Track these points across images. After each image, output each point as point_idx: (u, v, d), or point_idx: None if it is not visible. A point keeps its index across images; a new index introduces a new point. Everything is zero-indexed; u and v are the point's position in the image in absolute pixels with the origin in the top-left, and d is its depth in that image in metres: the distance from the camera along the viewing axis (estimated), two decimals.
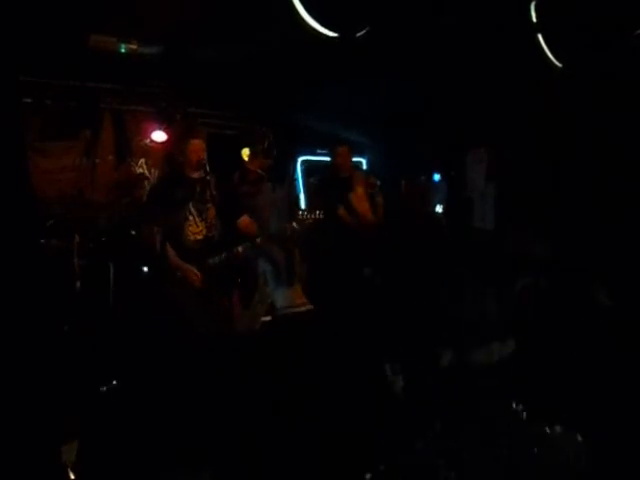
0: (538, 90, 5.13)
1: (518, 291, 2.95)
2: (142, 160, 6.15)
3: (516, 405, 2.05)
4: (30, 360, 3.09)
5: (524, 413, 2.03)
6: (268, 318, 5.33)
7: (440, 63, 5.13)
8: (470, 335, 2.28)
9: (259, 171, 5.05)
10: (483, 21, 4.57)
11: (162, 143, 5.99)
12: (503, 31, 4.64)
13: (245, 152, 5.15)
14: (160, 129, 5.96)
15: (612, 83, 4.77)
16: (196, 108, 6.34)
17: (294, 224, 4.29)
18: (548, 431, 1.97)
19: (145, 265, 4.93)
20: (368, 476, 1.91)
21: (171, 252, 4.03)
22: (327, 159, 5.65)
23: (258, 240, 4.19)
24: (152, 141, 6.05)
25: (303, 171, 7.22)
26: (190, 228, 4.10)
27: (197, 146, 4.09)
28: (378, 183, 5.07)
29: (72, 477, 2.78)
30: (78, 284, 5.02)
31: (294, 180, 6.96)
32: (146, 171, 6.15)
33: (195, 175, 4.11)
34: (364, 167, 7.54)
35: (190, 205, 4.09)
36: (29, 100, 5.27)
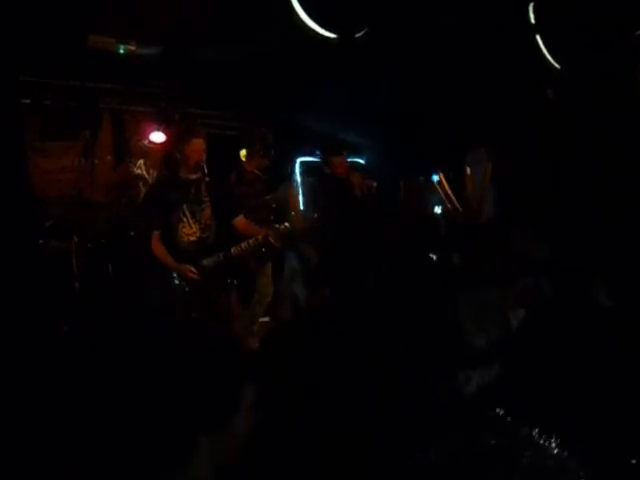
0: (538, 90, 5.14)
1: (518, 291, 2.96)
2: (141, 161, 6.14)
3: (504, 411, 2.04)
4: (29, 359, 3.09)
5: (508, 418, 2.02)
6: (266, 319, 5.35)
7: (439, 63, 5.14)
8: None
9: (256, 171, 5.05)
10: (482, 21, 4.58)
11: (161, 144, 5.99)
12: (503, 31, 4.65)
13: (243, 153, 5.14)
14: (159, 129, 5.95)
15: (612, 83, 4.78)
16: (195, 108, 6.33)
17: (287, 224, 4.32)
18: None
19: (142, 267, 4.92)
20: None
21: (163, 254, 4.03)
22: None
23: (283, 226, 4.27)
24: (151, 142, 6.04)
25: (302, 172, 7.21)
26: (184, 230, 4.09)
27: (198, 145, 4.07)
28: (374, 184, 5.08)
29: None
30: (77, 284, 5.02)
31: (292, 181, 6.96)
32: (144, 172, 6.15)
33: (191, 176, 4.11)
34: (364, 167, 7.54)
35: (184, 206, 4.08)
36: (28, 100, 5.26)
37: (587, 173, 4.84)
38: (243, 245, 4.17)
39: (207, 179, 4.11)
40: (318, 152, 5.37)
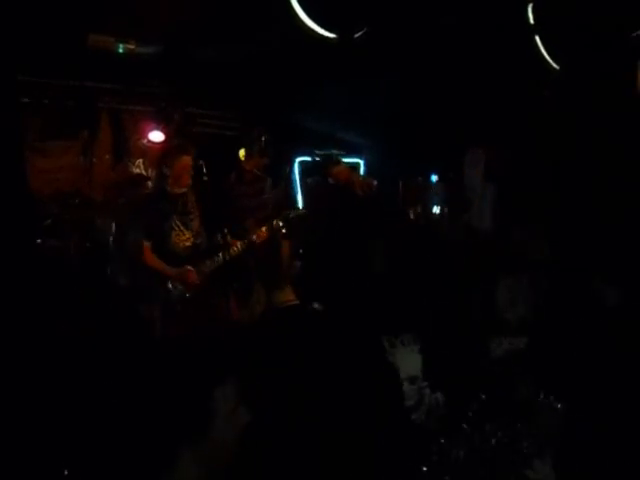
0: (537, 90, 5.14)
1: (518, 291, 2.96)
2: (140, 160, 6.12)
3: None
4: (26, 360, 3.08)
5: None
6: None
7: (438, 63, 5.14)
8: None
9: (255, 171, 5.05)
10: (481, 22, 4.58)
11: (160, 143, 5.97)
12: (502, 31, 4.65)
13: (242, 153, 5.14)
14: (158, 129, 5.94)
15: (611, 83, 4.79)
16: (195, 108, 6.32)
17: (296, 208, 4.36)
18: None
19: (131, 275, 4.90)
20: None
21: (157, 263, 4.05)
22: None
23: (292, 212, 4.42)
24: (150, 141, 6.03)
25: (301, 172, 7.20)
26: (177, 236, 4.18)
27: (186, 162, 4.15)
28: (375, 183, 5.08)
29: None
30: (75, 284, 5.01)
31: (291, 180, 6.95)
32: (143, 171, 6.13)
33: (178, 190, 4.17)
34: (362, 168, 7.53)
35: (174, 217, 4.16)
36: (28, 100, 5.25)
37: (587, 173, 4.85)
38: (239, 244, 4.20)
39: (205, 178, 4.14)
40: (318, 151, 5.37)
